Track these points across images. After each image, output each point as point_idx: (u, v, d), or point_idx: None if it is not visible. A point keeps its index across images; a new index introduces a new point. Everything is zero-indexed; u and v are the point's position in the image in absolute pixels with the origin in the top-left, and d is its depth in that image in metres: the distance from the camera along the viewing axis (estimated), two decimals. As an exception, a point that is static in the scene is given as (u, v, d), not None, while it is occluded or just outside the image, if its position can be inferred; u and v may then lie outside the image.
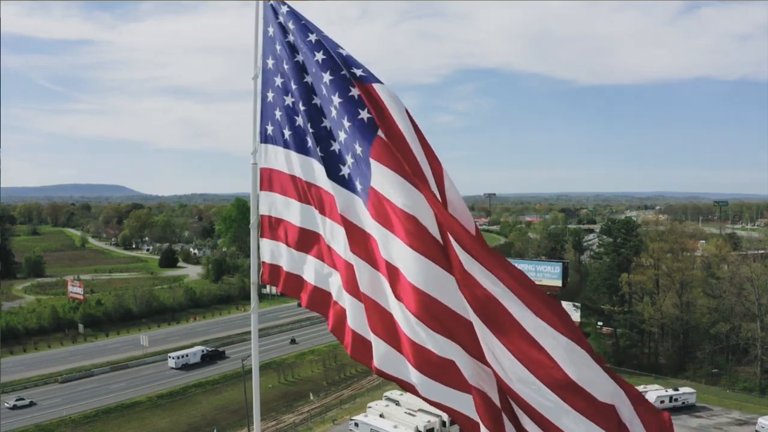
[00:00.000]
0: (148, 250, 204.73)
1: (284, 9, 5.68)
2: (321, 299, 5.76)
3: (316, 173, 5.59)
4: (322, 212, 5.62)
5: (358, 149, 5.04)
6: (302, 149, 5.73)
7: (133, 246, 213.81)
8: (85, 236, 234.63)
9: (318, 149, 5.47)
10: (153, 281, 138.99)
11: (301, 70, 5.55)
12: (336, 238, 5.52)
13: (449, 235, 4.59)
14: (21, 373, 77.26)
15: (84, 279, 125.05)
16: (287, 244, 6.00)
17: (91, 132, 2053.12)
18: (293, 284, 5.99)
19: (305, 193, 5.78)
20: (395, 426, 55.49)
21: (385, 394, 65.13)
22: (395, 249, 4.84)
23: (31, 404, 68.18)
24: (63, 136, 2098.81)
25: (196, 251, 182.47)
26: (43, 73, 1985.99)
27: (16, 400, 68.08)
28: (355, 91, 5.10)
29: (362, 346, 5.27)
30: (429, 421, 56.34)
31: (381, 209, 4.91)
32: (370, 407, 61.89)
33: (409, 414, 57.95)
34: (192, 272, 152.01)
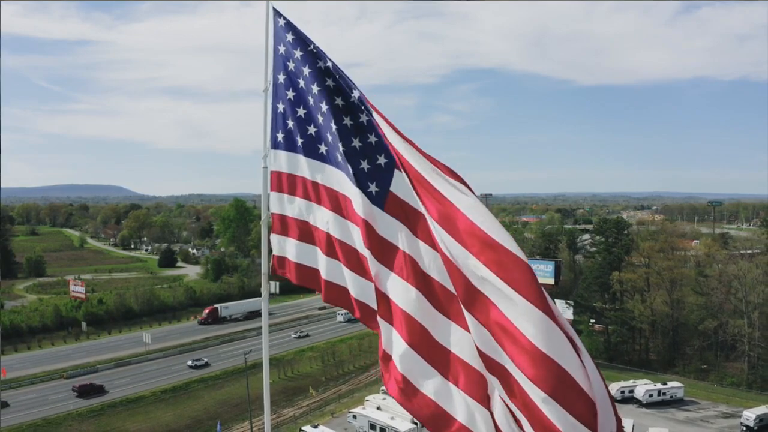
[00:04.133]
0: (146, 250, 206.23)
1: (290, 36, 6.14)
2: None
3: (333, 177, 6.02)
4: (339, 213, 5.98)
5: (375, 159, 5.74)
6: (315, 155, 6.18)
7: (132, 246, 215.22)
8: (84, 236, 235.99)
9: (340, 156, 5.83)
10: (153, 281, 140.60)
11: (316, 85, 6.01)
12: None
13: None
14: (27, 369, 78.92)
15: (85, 278, 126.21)
16: (296, 239, 6.52)
17: (89, 132, 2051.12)
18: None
19: (315, 193, 6.22)
20: (392, 418, 56.90)
21: (382, 387, 66.51)
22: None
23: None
24: (62, 136, 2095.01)
25: (194, 251, 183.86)
26: (42, 73, 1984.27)
27: None
28: (364, 117, 5.64)
29: None
30: (424, 414, 57.62)
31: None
32: (367, 400, 63.30)
33: (405, 407, 59.28)
34: (191, 272, 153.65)
